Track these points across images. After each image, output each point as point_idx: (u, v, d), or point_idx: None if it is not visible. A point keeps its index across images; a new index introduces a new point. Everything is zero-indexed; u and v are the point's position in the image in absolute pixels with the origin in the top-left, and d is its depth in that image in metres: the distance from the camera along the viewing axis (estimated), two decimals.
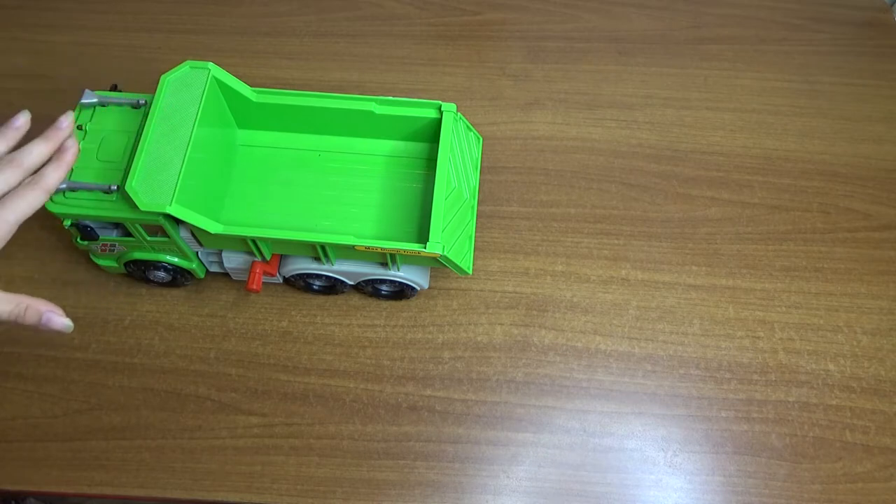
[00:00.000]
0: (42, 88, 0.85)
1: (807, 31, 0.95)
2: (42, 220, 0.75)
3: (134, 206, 0.57)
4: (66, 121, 0.60)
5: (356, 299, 0.72)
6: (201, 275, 0.70)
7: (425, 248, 0.59)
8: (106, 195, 0.60)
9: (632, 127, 0.85)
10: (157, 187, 0.57)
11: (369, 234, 0.66)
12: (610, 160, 0.82)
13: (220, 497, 0.63)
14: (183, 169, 0.58)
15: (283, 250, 0.66)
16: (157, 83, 0.63)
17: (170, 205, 0.56)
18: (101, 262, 0.69)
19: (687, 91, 0.88)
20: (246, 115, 0.69)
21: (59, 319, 0.55)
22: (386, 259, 0.64)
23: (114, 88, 0.67)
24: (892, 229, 0.79)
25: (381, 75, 0.88)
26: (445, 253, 0.60)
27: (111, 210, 0.59)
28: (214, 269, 0.70)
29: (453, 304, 0.72)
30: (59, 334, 0.59)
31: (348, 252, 0.63)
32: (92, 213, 0.60)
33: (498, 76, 0.89)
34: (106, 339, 0.70)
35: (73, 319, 0.70)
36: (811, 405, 0.69)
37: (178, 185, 0.57)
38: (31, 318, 0.54)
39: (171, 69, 0.63)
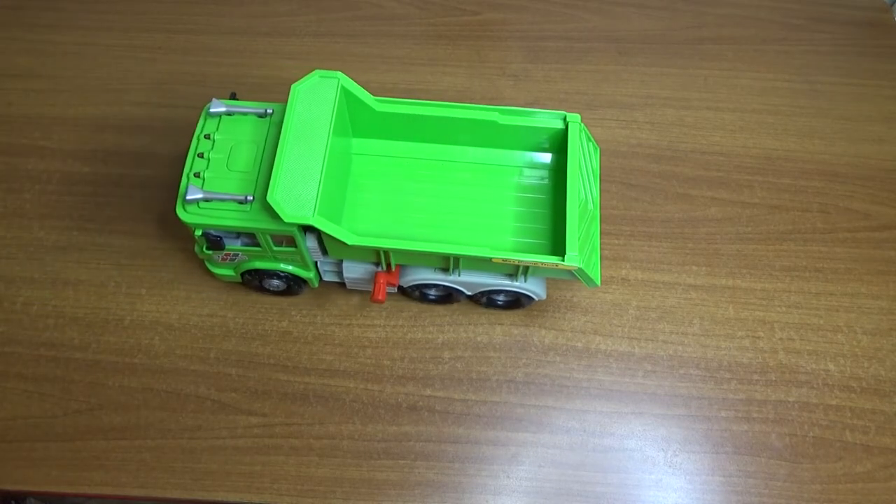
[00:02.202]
0: (42, 88, 0.85)
1: (807, 31, 0.95)
2: (41, 220, 0.76)
3: (272, 217, 0.57)
4: None
5: (356, 299, 0.72)
6: (316, 284, 0.69)
7: (563, 260, 0.58)
8: (241, 206, 0.59)
9: (632, 127, 0.85)
10: (297, 199, 0.57)
11: (499, 246, 0.65)
12: (610, 160, 0.82)
13: (220, 497, 0.63)
14: (322, 180, 0.58)
15: (410, 261, 0.65)
16: (288, 93, 0.61)
17: (312, 216, 0.56)
18: (217, 270, 0.68)
19: (687, 91, 0.88)
20: (362, 124, 0.67)
21: None
22: (516, 270, 0.63)
23: (232, 97, 0.66)
24: (892, 229, 0.79)
25: (381, 75, 0.88)
26: (581, 265, 0.59)
27: (247, 220, 0.59)
28: (329, 278, 0.69)
29: (453, 304, 0.72)
30: None
31: (479, 263, 0.62)
32: (227, 223, 0.59)
33: (498, 76, 0.89)
34: (106, 339, 0.70)
35: (73, 319, 0.71)
36: (811, 405, 0.69)
37: (319, 196, 0.57)
38: None
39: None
